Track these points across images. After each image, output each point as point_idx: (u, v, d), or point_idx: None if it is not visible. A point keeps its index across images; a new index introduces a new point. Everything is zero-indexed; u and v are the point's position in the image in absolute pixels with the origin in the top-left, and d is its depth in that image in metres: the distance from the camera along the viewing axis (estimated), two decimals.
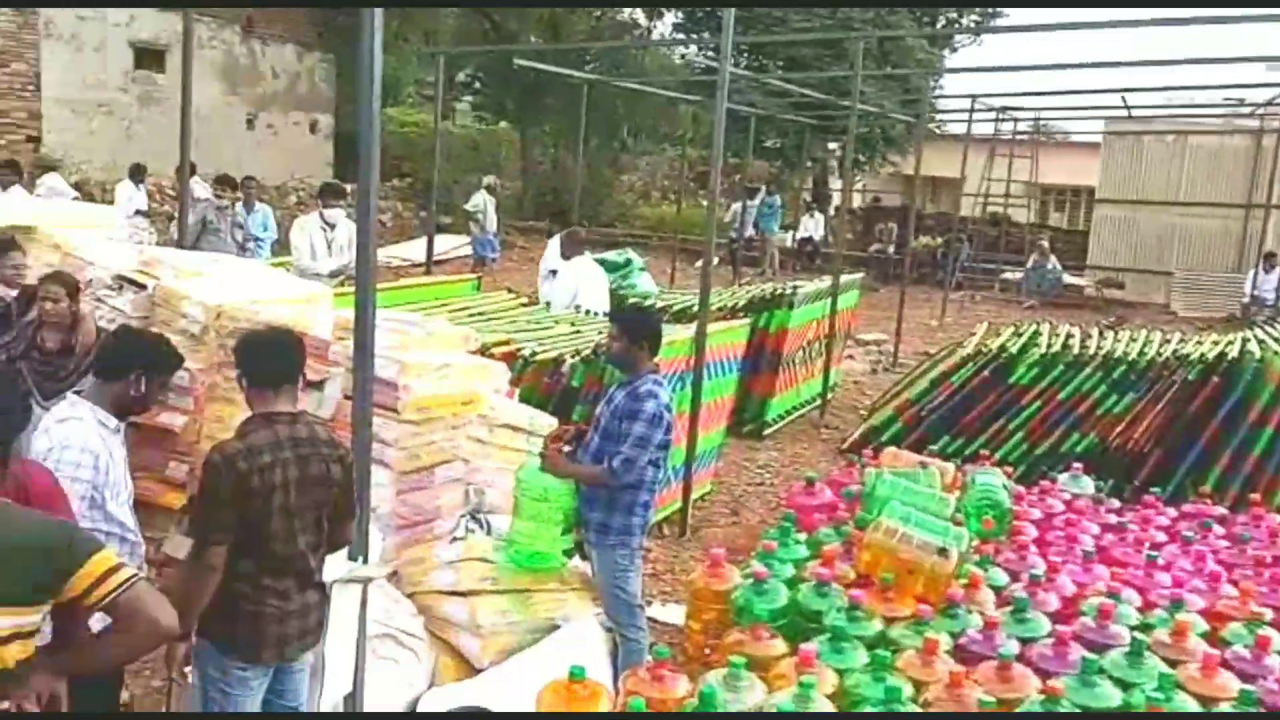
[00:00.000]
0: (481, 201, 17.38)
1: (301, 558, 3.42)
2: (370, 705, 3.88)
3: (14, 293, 5.53)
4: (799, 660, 3.61)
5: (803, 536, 5.04)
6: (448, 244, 17.23)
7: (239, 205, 11.18)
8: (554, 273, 9.15)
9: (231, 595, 3.33)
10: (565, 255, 9.08)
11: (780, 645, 3.92)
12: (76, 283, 5.29)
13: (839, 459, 8.81)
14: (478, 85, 27.78)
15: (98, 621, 2.74)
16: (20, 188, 10.26)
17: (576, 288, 8.85)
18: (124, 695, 4.25)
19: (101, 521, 3.69)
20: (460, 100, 29.09)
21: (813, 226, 22.80)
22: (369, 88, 3.59)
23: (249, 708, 3.49)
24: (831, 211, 24.63)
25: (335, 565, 3.64)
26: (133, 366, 3.82)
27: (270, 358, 3.50)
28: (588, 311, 8.42)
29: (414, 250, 16.29)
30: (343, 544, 3.61)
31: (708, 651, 4.36)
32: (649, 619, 4.89)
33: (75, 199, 10.88)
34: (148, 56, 17.64)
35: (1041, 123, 24.76)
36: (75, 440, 3.63)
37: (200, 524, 3.33)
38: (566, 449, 4.74)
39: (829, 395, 10.59)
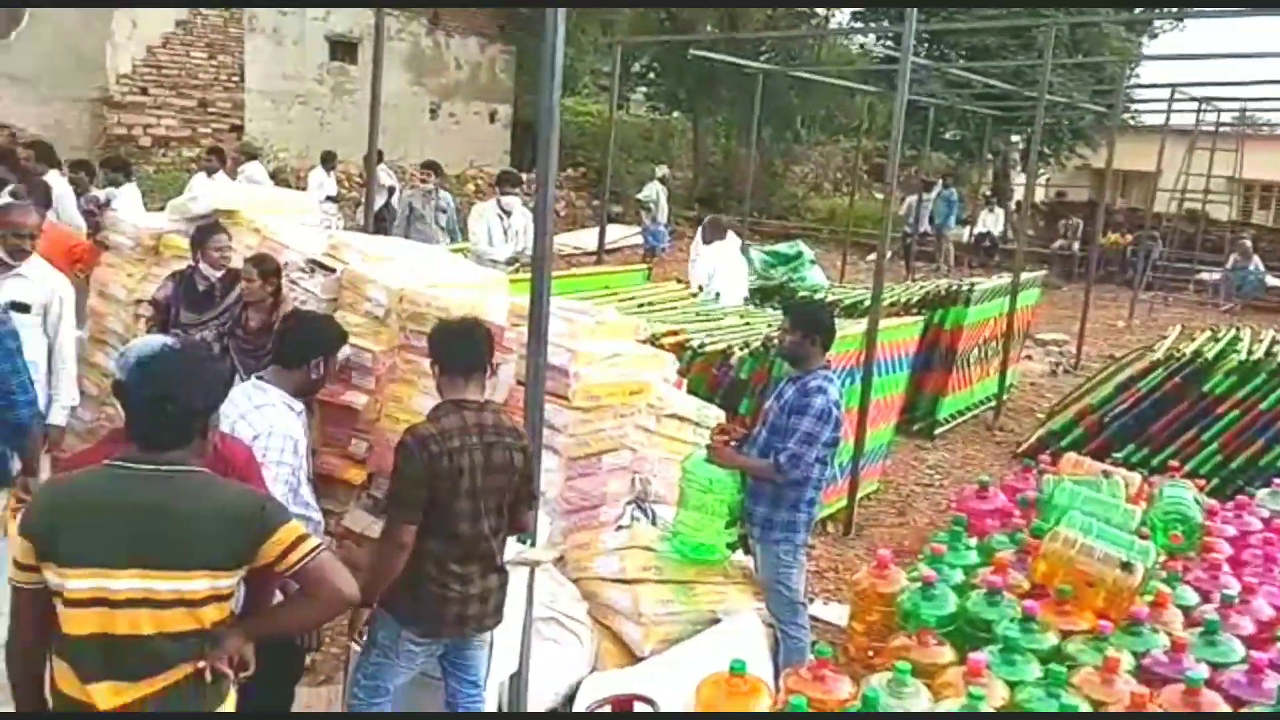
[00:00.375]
0: (654, 192, 17.51)
1: (485, 541, 3.53)
2: (534, 685, 3.98)
3: (219, 273, 5.86)
4: (967, 670, 3.49)
5: (973, 542, 4.87)
6: (618, 233, 17.44)
7: (443, 192, 11.54)
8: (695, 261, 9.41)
9: (418, 574, 3.47)
10: (706, 240, 9.24)
11: (948, 653, 3.81)
12: (277, 265, 5.57)
13: (1013, 463, 8.49)
14: (652, 75, 27.95)
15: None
16: (223, 174, 10.89)
17: (713, 271, 8.97)
18: (306, 660, 4.46)
19: (293, 502, 3.88)
20: (634, 90, 29.36)
21: (991, 222, 22.04)
22: (550, 82, 3.65)
23: (399, 683, 3.62)
24: (1012, 206, 23.75)
25: (506, 547, 3.74)
26: (313, 354, 4.03)
27: (462, 347, 3.62)
28: (715, 295, 8.50)
29: (585, 239, 16.55)
30: (522, 530, 3.71)
31: (871, 654, 4.27)
32: (811, 617, 4.83)
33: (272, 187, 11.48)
34: (341, 49, 18.47)
35: (1247, 114, 23.22)
36: (279, 426, 3.84)
37: (392, 502, 3.47)
38: (733, 443, 4.73)
39: (1004, 396, 10.22)
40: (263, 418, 3.86)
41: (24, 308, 5.15)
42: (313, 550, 2.49)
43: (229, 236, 5.98)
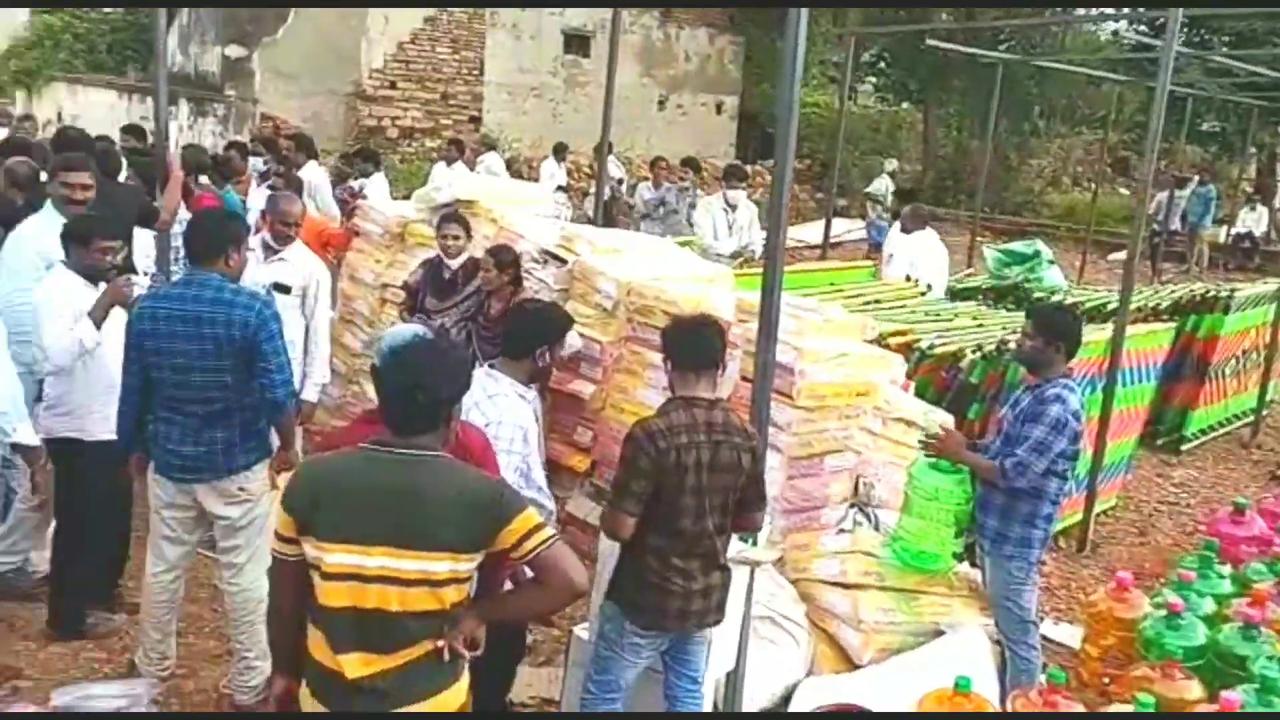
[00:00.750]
0: (884, 186, 17.12)
1: (708, 539, 3.53)
2: (749, 684, 3.96)
3: (457, 261, 6.11)
4: (1220, 708, 3.24)
5: (1226, 569, 4.50)
6: (843, 227, 17.14)
7: (699, 190, 11.63)
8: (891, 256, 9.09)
9: (640, 567, 3.52)
10: (905, 229, 8.96)
11: (1196, 688, 3.53)
12: (515, 256, 5.76)
13: (1271, 485, 7.83)
14: (882, 65, 27.30)
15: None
16: (462, 164, 11.37)
17: (912, 261, 8.70)
18: (528, 639, 4.60)
19: (524, 486, 4.01)
20: (863, 81, 28.75)
21: (1253, 221, 20.32)
22: (790, 78, 3.61)
23: (629, 674, 3.67)
24: (1277, 204, 21.85)
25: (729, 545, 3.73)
26: (537, 344, 4.15)
27: (696, 343, 3.63)
28: (916, 283, 8.22)
29: (809, 233, 16.34)
30: (747, 530, 3.70)
31: (1106, 682, 4.01)
32: (1041, 636, 4.59)
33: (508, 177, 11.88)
34: (575, 42, 18.95)
35: None
36: (509, 416, 3.97)
37: (616, 492, 3.53)
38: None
39: (1264, 412, 9.42)
40: (495, 407, 4.00)
41: (285, 289, 5.54)
42: (548, 539, 2.56)
43: (460, 226, 6.20)
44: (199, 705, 4.35)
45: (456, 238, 6.09)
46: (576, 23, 18.82)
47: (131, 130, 8.79)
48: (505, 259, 5.66)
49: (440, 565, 2.49)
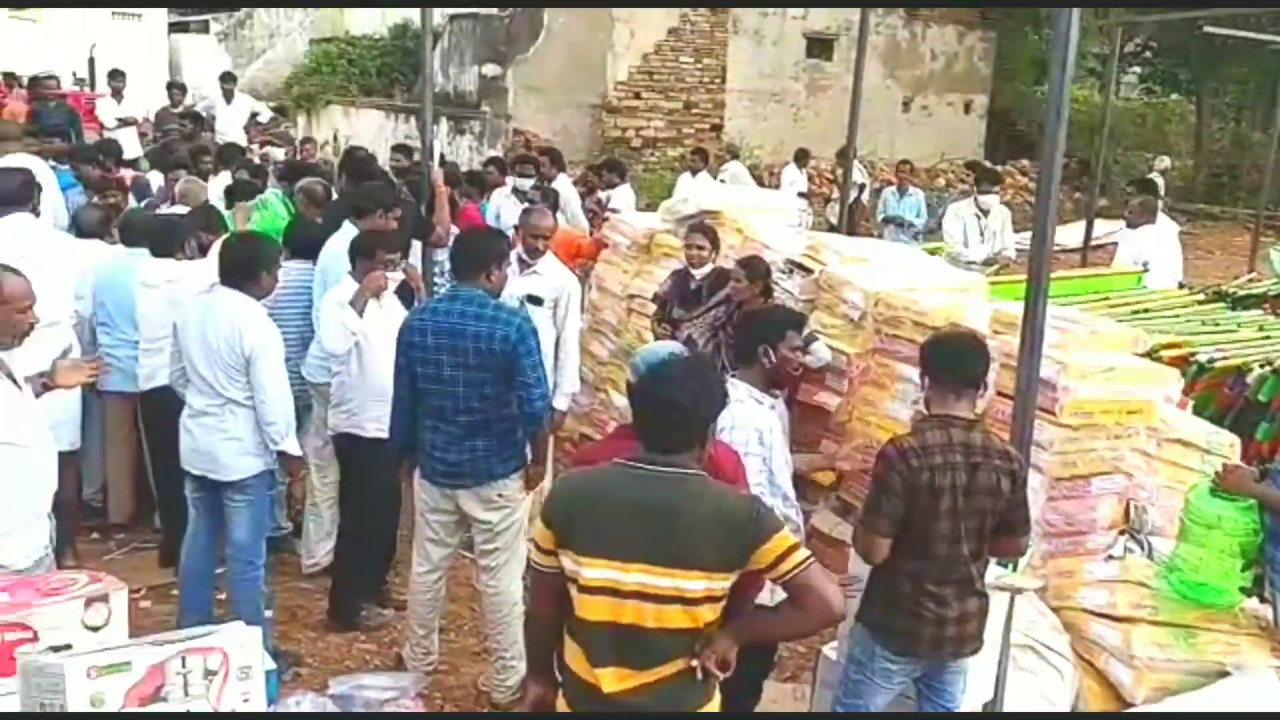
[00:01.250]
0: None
1: (964, 564, 3.39)
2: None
3: (701, 272, 6.15)
4: None
5: None
6: (1104, 229, 16.13)
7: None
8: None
9: (893, 591, 3.42)
10: (1132, 224, 8.39)
11: None
12: (766, 267, 5.74)
13: None
14: (1148, 55, 25.54)
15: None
16: (706, 173, 11.46)
17: (1137, 257, 8.13)
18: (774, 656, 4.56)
19: (767, 490, 3.97)
20: (1126, 72, 26.99)
21: None
22: (1060, 79, 3.41)
23: (879, 703, 3.56)
24: None
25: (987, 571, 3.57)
26: (758, 343, 4.10)
27: (957, 361, 3.49)
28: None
29: (1068, 236, 15.41)
30: (1008, 555, 3.53)
31: None
32: None
33: (752, 186, 11.87)
34: (818, 46, 18.73)
35: None
36: (742, 420, 3.95)
37: (867, 511, 3.44)
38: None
39: None
40: (728, 413, 3.98)
41: (538, 301, 5.73)
42: (804, 561, 2.52)
43: (705, 237, 6.23)
44: (459, 700, 4.56)
45: (701, 248, 6.12)
46: (819, 26, 18.61)
47: (400, 149, 9.35)
48: (757, 270, 5.65)
49: (695, 584, 2.49)
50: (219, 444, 4.47)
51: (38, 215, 5.53)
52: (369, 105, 17.90)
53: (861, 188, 13.88)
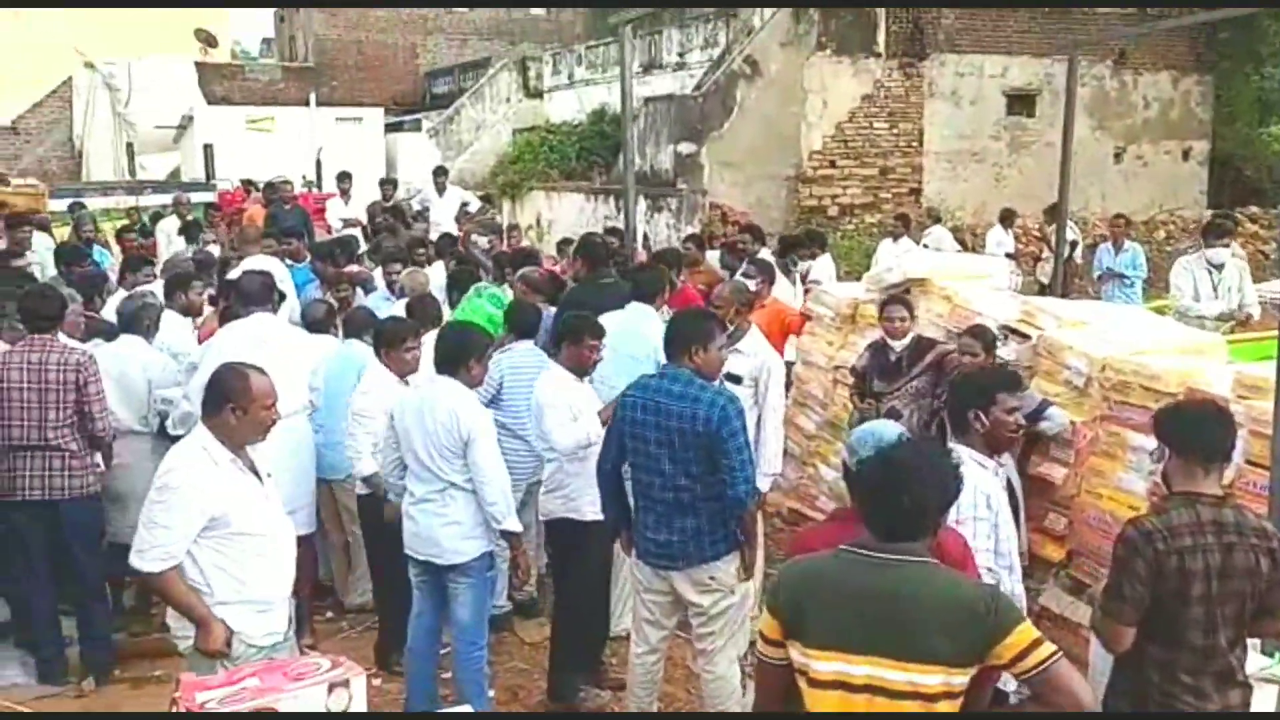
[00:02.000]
0: None
1: (1221, 654, 3.12)
2: None
3: (902, 343, 6.00)
4: None
5: None
6: None
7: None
8: None
9: (1142, 682, 3.17)
10: None
11: None
12: (994, 337, 5.54)
13: None
14: None
15: None
16: (907, 239, 11.25)
17: None
18: None
19: (995, 561, 3.78)
20: None
21: None
22: None
23: None
24: None
25: (1249, 660, 3.27)
26: (969, 406, 3.97)
27: (1199, 432, 3.23)
28: None
29: None
30: (1268, 638, 3.23)
31: None
32: None
33: (956, 250, 11.56)
34: (1018, 102, 18.23)
35: None
36: (965, 483, 3.80)
37: (1108, 598, 3.22)
38: None
39: None
40: None
41: (736, 379, 5.68)
42: (1051, 657, 2.37)
43: (905, 308, 6.10)
44: None
45: (902, 319, 6.02)
46: (1020, 82, 18.13)
47: (612, 232, 9.58)
48: (988, 338, 5.47)
49: (932, 678, 2.38)
50: (440, 529, 4.62)
51: (276, 313, 5.94)
52: (570, 189, 18.54)
53: (1074, 245, 13.30)
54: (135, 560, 3.57)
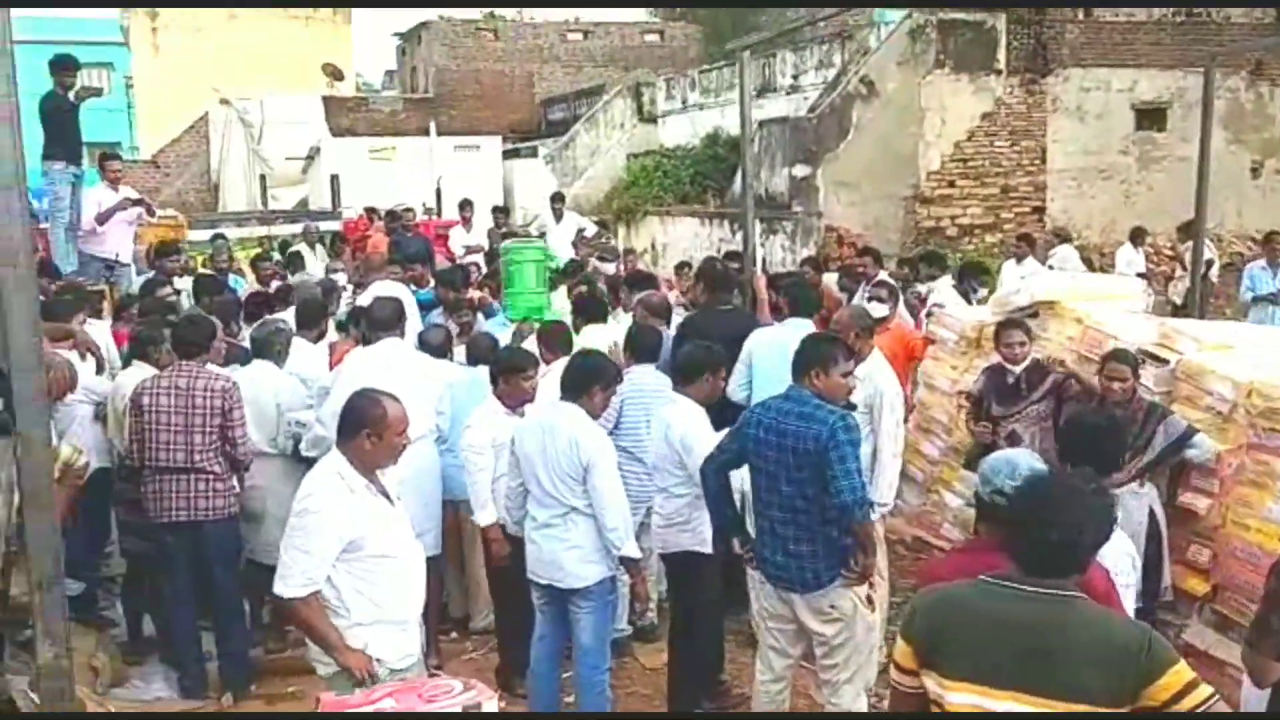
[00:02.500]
0: None
1: None
2: None
3: (1020, 366, 5.83)
4: None
5: None
6: None
7: None
8: None
9: None
10: None
11: None
12: (1136, 360, 5.34)
13: None
14: None
15: None
16: (1033, 260, 10.92)
17: None
18: None
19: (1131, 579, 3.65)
20: None
21: None
22: None
23: None
24: None
25: None
26: (1101, 457, 3.85)
27: None
28: None
29: None
30: None
31: None
32: None
33: (1084, 270, 11.17)
34: (1148, 117, 17.64)
35: None
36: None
37: (1257, 632, 3.06)
38: None
39: None
40: None
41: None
42: (1208, 699, 2.26)
43: (1023, 332, 5.95)
44: None
45: (1021, 344, 5.89)
46: (1149, 95, 17.53)
47: (732, 255, 9.55)
48: (1130, 361, 5.28)
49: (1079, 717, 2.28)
50: (563, 553, 4.65)
51: (403, 337, 6.07)
52: (684, 213, 18.59)
53: (1209, 264, 12.78)
54: (279, 586, 3.67)
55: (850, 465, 4.13)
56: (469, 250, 12.70)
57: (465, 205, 13.73)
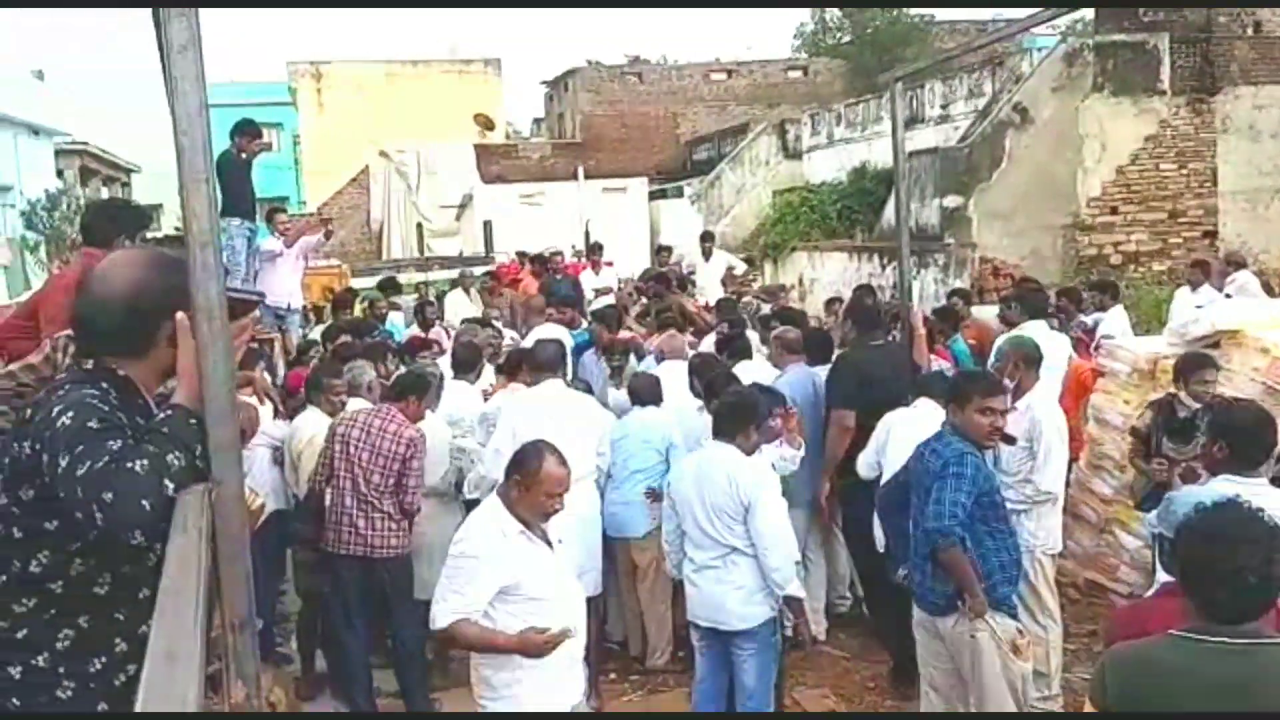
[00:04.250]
0: None
1: None
2: None
3: (1197, 401, 5.48)
4: None
5: None
6: None
7: None
8: None
9: None
10: None
11: None
12: None
13: None
14: None
15: None
16: (1208, 287, 10.36)
17: None
18: None
19: None
20: None
21: None
22: None
23: None
24: None
25: None
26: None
27: None
28: None
29: None
30: None
31: None
32: None
33: (1265, 298, 10.46)
34: None
35: None
36: None
37: None
38: None
39: None
40: None
41: (1009, 439, 5.26)
42: None
43: (1216, 370, 5.56)
44: None
45: (1214, 382, 5.49)
46: None
47: (864, 289, 9.41)
48: None
49: None
50: (725, 594, 4.60)
51: (566, 380, 6.15)
52: (832, 248, 18.39)
53: None
54: (434, 620, 3.78)
55: (944, 495, 4.11)
56: (598, 293, 12.79)
57: (595, 249, 13.89)
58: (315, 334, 9.34)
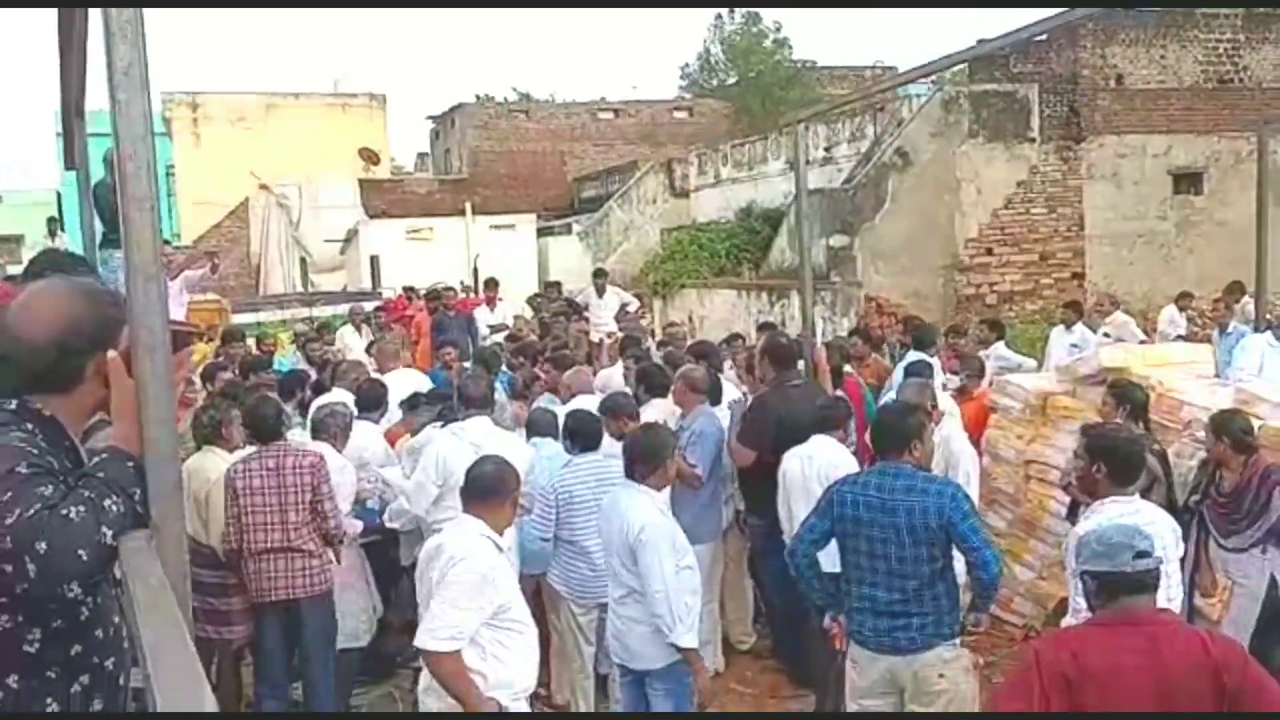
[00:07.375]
0: None
1: None
2: None
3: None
4: None
5: None
6: None
7: None
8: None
9: None
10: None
11: None
12: (1244, 424, 5.15)
13: None
14: None
15: None
16: (1082, 326, 10.81)
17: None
18: None
19: None
20: None
21: None
22: None
23: None
24: None
25: None
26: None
27: None
28: None
29: None
30: None
31: None
32: None
33: (1142, 341, 10.96)
34: (1185, 181, 17.59)
35: None
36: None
37: None
38: None
39: None
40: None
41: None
42: None
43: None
44: None
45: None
46: (1184, 160, 17.52)
47: (767, 326, 9.51)
48: (1231, 428, 5.05)
49: None
50: (629, 632, 4.59)
51: (494, 420, 6.01)
52: (722, 285, 18.61)
53: (1269, 325, 12.60)
54: (424, 639, 3.71)
55: (982, 533, 4.20)
56: (493, 329, 12.69)
57: (490, 284, 13.77)
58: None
